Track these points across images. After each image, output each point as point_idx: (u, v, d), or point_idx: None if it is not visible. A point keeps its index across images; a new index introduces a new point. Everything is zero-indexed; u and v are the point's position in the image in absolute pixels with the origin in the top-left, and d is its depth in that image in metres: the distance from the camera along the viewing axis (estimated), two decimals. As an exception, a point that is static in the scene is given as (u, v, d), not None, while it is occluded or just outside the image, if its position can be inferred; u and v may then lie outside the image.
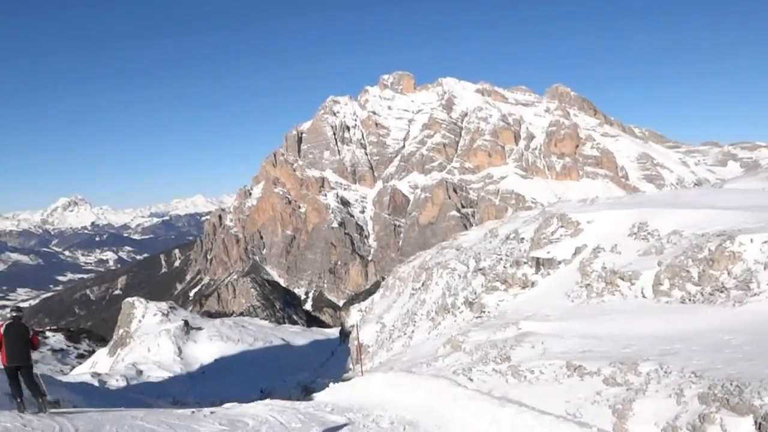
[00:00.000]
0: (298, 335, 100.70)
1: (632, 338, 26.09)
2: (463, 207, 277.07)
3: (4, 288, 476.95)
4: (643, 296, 30.56)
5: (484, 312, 39.96)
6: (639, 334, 26.79)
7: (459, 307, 42.95)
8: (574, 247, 38.61)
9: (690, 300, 27.96)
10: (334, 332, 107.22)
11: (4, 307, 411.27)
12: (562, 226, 40.46)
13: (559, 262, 38.26)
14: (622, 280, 32.45)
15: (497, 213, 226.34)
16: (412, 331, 45.99)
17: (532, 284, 38.83)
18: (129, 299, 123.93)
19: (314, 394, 22.56)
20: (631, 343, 25.65)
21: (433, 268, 50.34)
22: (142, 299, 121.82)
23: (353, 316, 71.01)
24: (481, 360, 30.26)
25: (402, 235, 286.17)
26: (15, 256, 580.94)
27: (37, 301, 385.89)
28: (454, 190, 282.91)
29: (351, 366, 58.03)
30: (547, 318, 34.12)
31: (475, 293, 42.43)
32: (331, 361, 68.76)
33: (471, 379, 28.16)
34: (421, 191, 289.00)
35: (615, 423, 13.95)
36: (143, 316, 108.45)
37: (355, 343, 58.42)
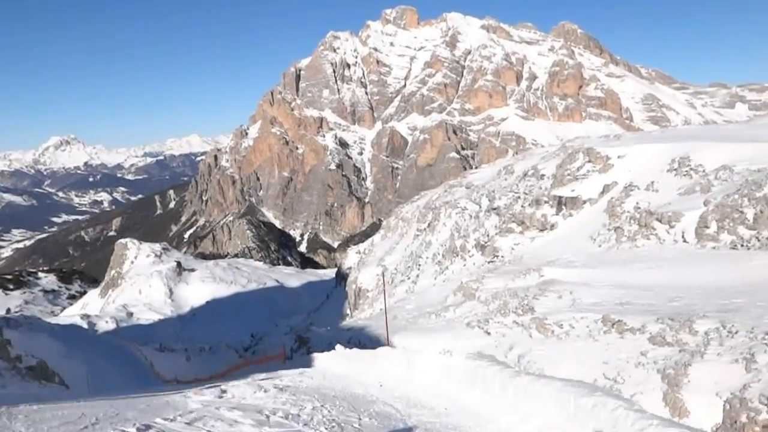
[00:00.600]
0: (292, 277, 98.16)
1: (678, 289, 22.53)
2: (462, 149, 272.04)
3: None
4: (685, 241, 26.92)
5: (497, 256, 36.37)
6: (685, 284, 23.24)
7: (469, 251, 39.33)
8: (603, 185, 34.76)
9: (743, 245, 24.36)
10: (329, 273, 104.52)
11: (0, 247, 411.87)
12: (589, 161, 36.41)
13: (584, 202, 34.45)
14: (660, 222, 28.74)
15: (497, 155, 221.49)
16: (417, 276, 42.57)
17: (552, 226, 35.09)
18: (122, 240, 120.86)
19: (315, 357, 18.87)
20: (678, 295, 22.06)
21: (440, 207, 46.58)
22: (135, 240, 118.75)
23: (351, 258, 67.62)
24: (500, 310, 26.78)
25: (399, 177, 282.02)
26: (8, 197, 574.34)
27: (31, 242, 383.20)
28: (454, 132, 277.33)
29: (348, 311, 55.00)
30: (572, 264, 30.55)
31: (488, 235, 38.72)
32: (326, 306, 65.55)
33: (488, 332, 24.70)
34: (420, 133, 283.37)
35: (666, 391, 11.92)
36: (136, 258, 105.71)
37: (353, 287, 55.46)
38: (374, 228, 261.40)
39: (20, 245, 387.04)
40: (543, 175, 39.76)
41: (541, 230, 34.32)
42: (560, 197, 34.56)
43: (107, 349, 40.36)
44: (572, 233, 32.03)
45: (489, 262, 34.86)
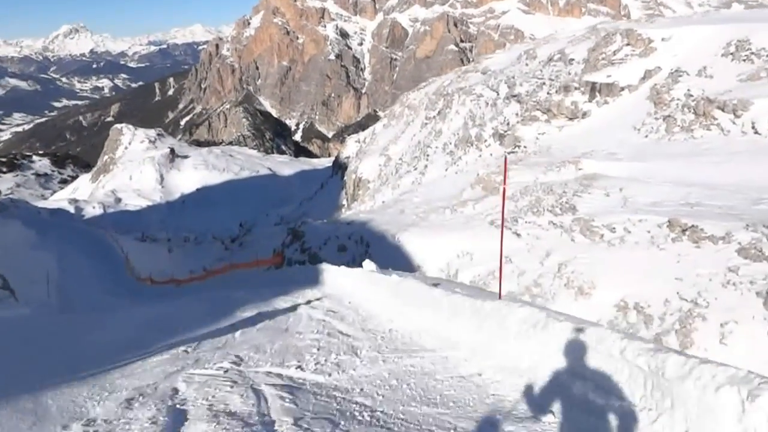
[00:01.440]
0: (286, 165, 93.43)
1: (760, 189, 17.95)
2: (461, 41, 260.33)
3: (1, 113, 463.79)
4: (756, 132, 21.96)
5: (519, 146, 31.34)
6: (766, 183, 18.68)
7: (486, 140, 34.19)
8: (644, 70, 29.30)
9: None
10: (323, 163, 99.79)
11: (0, 130, 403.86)
12: (628, 44, 30.70)
13: (622, 89, 29.10)
14: (722, 110, 23.59)
15: (495, 48, 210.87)
16: (425, 167, 37.69)
17: (584, 115, 29.86)
18: (117, 125, 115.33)
19: (325, 270, 13.38)
20: (763, 197, 17.51)
21: (452, 94, 40.92)
22: (130, 126, 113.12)
23: (350, 148, 62.34)
24: (531, 208, 22.11)
25: (397, 68, 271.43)
26: (14, 82, 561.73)
27: (31, 125, 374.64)
28: (455, 24, 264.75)
29: (345, 202, 50.63)
30: (615, 157, 25.58)
31: (508, 124, 33.46)
32: (320, 196, 60.91)
33: (517, 234, 20.21)
34: (421, 24, 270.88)
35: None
36: (130, 143, 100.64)
37: (353, 177, 50.58)
38: (370, 119, 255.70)
39: (20, 129, 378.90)
40: (572, 60, 34.01)
41: (571, 119, 29.18)
42: (594, 83, 29.14)
43: (83, 240, 36.06)
44: (609, 122, 26.98)
45: (510, 153, 29.95)
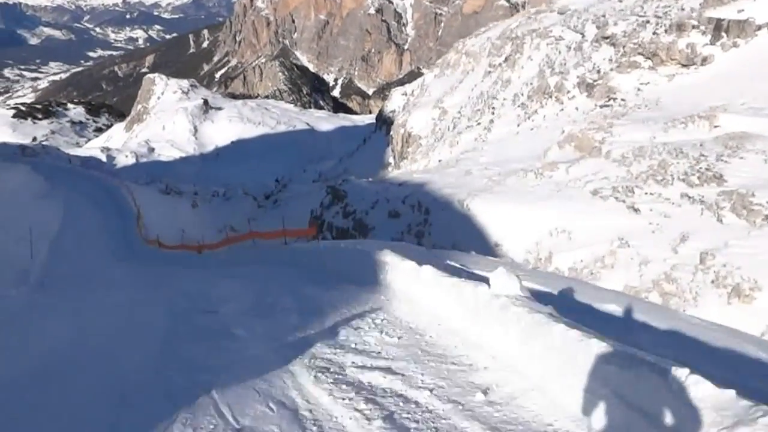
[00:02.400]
0: (324, 120, 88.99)
1: None
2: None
3: (37, 61, 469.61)
4: None
5: (613, 98, 25.64)
6: None
7: (569, 91, 28.30)
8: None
9: None
10: (364, 119, 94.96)
11: (36, 79, 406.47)
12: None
13: (759, 27, 23.28)
14: None
15: (547, 4, 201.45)
16: (490, 122, 32.05)
17: (704, 60, 24.10)
18: (150, 75, 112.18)
19: (387, 281, 7.25)
20: None
21: (523, 37, 34.69)
22: (163, 76, 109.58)
23: (395, 101, 56.77)
24: (653, 176, 16.83)
25: (443, 24, 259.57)
26: (48, 31, 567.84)
27: (67, 75, 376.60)
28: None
29: (392, 160, 45.48)
30: (764, 112, 20.19)
31: (598, 71, 27.62)
32: (362, 152, 55.67)
33: (635, 209, 14.90)
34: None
35: None
36: (163, 93, 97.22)
37: (401, 132, 45.00)
38: (413, 76, 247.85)
39: (56, 78, 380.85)
40: (682, -8, 27.98)
41: (685, 65, 23.49)
42: (719, 20, 23.28)
43: (97, 189, 31.65)
44: (743, 70, 21.28)
45: (602, 106, 24.48)
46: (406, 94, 51.68)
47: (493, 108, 31.98)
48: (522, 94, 30.70)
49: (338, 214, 25.17)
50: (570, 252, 14.81)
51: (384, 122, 52.55)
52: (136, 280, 12.20)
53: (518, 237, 16.41)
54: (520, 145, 25.73)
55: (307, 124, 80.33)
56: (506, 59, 34.88)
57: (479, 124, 31.83)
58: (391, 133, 45.21)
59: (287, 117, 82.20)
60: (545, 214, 16.41)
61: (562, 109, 27.03)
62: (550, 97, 28.23)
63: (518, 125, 28.55)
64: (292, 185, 41.86)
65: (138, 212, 26.00)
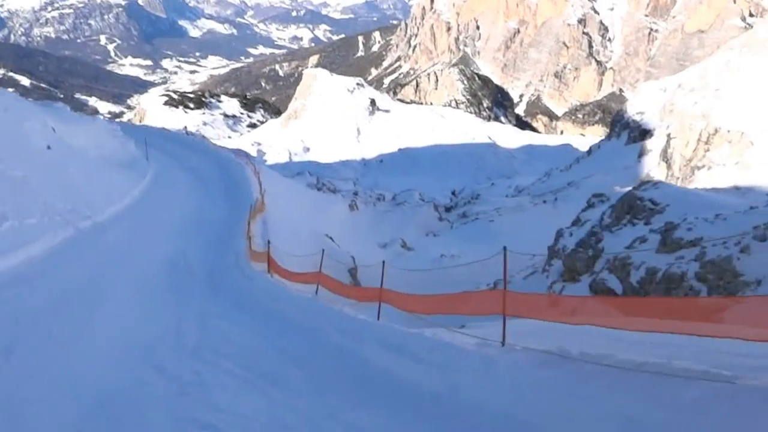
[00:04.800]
0: (508, 135, 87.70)
1: None
2: (751, 15, 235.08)
3: (197, 54, 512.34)
4: None
5: None
6: None
7: None
8: None
9: None
10: (554, 140, 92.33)
11: (194, 72, 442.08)
12: None
13: None
14: None
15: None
16: None
17: None
18: (311, 69, 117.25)
19: None
20: None
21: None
22: (326, 71, 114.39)
23: (646, 98, 52.78)
24: None
25: (657, 42, 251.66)
26: (210, 24, 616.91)
27: (226, 70, 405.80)
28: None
29: (659, 170, 40.26)
30: None
31: None
32: (586, 164, 51.00)
33: None
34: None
35: None
36: (324, 90, 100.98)
37: (688, 129, 39.07)
38: (612, 99, 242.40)
39: (216, 72, 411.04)
40: None
41: None
42: None
43: (204, 165, 30.67)
44: None
45: None
46: (665, 90, 48.75)
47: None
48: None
49: (640, 241, 16.28)
50: None
51: (625, 127, 49.84)
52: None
53: None
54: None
55: (489, 137, 79.72)
56: None
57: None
58: (649, 138, 42.52)
59: (466, 127, 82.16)
60: None
61: None
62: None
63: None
64: (486, 197, 39.54)
65: (261, 198, 22.97)
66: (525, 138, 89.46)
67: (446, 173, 63.45)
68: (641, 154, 40.47)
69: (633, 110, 49.13)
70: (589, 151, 53.63)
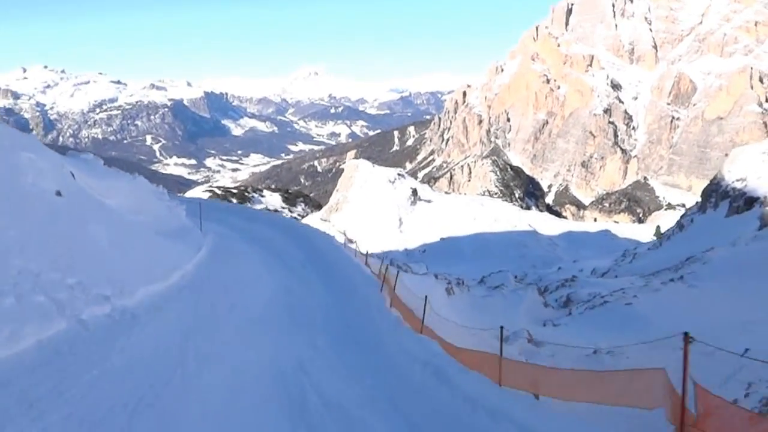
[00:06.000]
0: (547, 223, 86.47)
1: None
2: (767, 101, 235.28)
3: (239, 152, 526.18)
4: None
5: None
6: None
7: None
8: None
9: None
10: (590, 227, 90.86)
11: (236, 170, 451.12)
12: None
13: None
14: None
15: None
16: None
17: None
18: (353, 161, 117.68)
19: None
20: None
21: None
22: (367, 162, 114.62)
23: (746, 163, 46.86)
24: None
25: (679, 129, 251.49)
26: (252, 122, 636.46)
27: (267, 167, 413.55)
28: (760, 80, 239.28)
29: None
30: None
31: None
32: (677, 242, 46.77)
33: None
34: (716, 78, 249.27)
35: None
36: (366, 181, 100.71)
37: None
38: (638, 187, 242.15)
39: (257, 169, 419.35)
40: None
41: None
42: None
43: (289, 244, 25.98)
44: None
45: None
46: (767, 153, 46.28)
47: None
48: None
49: None
50: None
51: (724, 196, 45.50)
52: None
53: None
54: None
55: (530, 225, 78.44)
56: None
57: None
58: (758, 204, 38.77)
59: (506, 216, 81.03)
60: None
61: None
62: None
63: None
64: (584, 279, 35.80)
65: (384, 274, 18.95)
66: (563, 225, 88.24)
67: (490, 261, 61.88)
68: (763, 223, 35.06)
69: (731, 177, 45.65)
70: (680, 226, 50.33)
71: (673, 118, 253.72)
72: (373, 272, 20.80)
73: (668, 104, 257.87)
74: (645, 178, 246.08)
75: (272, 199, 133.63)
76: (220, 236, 23.56)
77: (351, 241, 55.10)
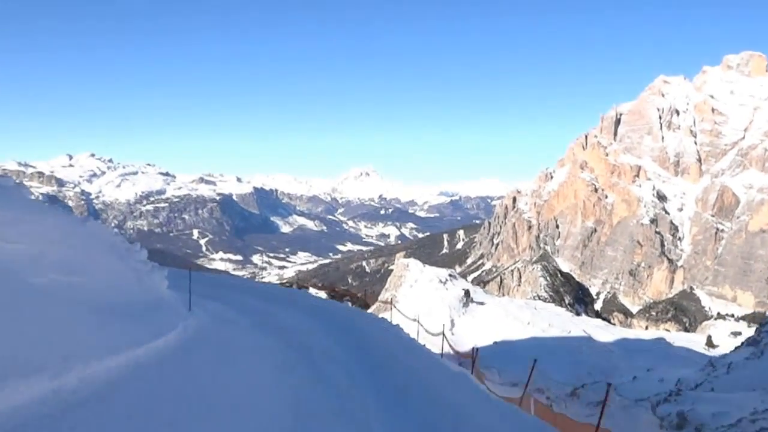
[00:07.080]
0: (601, 330, 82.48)
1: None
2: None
3: (287, 250, 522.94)
4: None
5: None
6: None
7: None
8: None
9: None
10: (645, 335, 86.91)
11: (283, 267, 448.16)
12: None
13: None
14: None
15: None
16: None
17: None
18: (403, 259, 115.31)
19: None
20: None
21: None
22: (418, 261, 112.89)
23: None
24: None
25: (723, 241, 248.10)
26: (301, 221, 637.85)
27: (315, 265, 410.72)
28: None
29: None
30: None
31: None
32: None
33: None
34: (758, 192, 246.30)
35: None
36: (416, 281, 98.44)
37: None
38: (684, 297, 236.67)
39: (303, 267, 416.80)
40: None
41: None
42: None
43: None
44: None
45: None
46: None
47: None
48: None
49: None
50: None
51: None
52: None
53: None
54: None
55: (584, 331, 75.06)
56: None
57: None
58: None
59: (560, 321, 77.82)
60: None
61: None
62: None
63: None
64: (702, 396, 28.61)
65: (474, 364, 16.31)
66: (617, 332, 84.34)
67: (544, 367, 58.59)
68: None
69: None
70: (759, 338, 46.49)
71: (717, 229, 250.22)
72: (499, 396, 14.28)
73: (712, 216, 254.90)
74: (691, 287, 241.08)
75: (318, 296, 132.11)
76: (215, 319, 13.07)
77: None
